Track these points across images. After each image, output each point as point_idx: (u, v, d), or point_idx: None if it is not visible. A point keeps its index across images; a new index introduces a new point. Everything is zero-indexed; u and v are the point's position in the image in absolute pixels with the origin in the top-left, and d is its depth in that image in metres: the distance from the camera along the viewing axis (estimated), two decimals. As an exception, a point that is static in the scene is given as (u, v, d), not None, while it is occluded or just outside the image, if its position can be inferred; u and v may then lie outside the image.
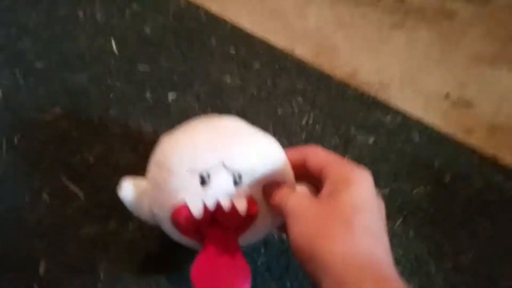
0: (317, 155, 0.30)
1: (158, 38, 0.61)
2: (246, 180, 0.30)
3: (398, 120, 0.54)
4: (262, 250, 0.39)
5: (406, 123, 0.54)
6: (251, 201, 0.30)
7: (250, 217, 0.30)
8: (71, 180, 0.44)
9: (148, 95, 0.54)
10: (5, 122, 0.49)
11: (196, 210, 0.28)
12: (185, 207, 0.29)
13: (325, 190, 0.27)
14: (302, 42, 0.65)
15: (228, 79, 0.57)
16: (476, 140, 0.53)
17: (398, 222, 0.42)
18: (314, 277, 0.24)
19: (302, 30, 0.67)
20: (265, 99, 0.55)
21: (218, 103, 0.54)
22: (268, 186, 0.30)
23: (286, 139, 0.50)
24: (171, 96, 0.54)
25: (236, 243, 0.31)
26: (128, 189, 0.31)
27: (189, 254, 0.37)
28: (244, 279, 0.29)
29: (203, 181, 0.29)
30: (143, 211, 0.32)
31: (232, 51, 0.60)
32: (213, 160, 0.29)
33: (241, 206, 0.29)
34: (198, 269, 0.29)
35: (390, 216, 0.43)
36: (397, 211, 0.43)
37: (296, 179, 0.32)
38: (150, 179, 0.31)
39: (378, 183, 0.48)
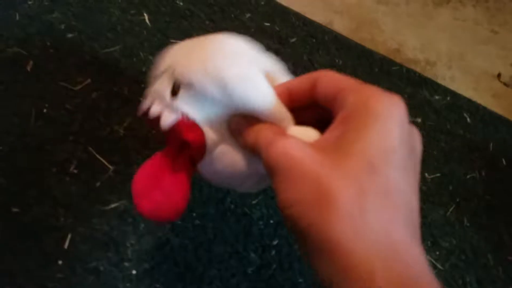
0: (332, 79, 0.21)
1: (191, 11, 0.59)
2: (216, 105, 0.24)
3: (448, 99, 0.49)
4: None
5: (456, 103, 0.49)
6: (186, 123, 0.24)
7: (193, 144, 0.25)
8: (100, 152, 0.42)
9: (179, 68, 0.51)
10: (35, 92, 0.47)
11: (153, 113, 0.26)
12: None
13: (332, 128, 0.19)
14: (341, 16, 0.61)
15: (262, 54, 0.54)
16: (535, 123, 0.48)
17: (451, 209, 0.38)
18: (309, 256, 0.18)
19: (341, 2, 0.63)
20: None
21: (252, 78, 0.51)
22: (237, 120, 0.23)
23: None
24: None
25: (187, 165, 0.27)
26: None
27: (218, 238, 0.35)
28: (179, 199, 0.26)
29: (174, 91, 0.25)
30: None
31: (267, 25, 0.57)
32: (186, 72, 0.24)
33: (165, 120, 0.25)
34: (140, 172, 0.26)
35: (442, 202, 0.39)
36: (449, 197, 0.39)
37: (302, 122, 0.23)
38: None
39: (428, 167, 0.44)
